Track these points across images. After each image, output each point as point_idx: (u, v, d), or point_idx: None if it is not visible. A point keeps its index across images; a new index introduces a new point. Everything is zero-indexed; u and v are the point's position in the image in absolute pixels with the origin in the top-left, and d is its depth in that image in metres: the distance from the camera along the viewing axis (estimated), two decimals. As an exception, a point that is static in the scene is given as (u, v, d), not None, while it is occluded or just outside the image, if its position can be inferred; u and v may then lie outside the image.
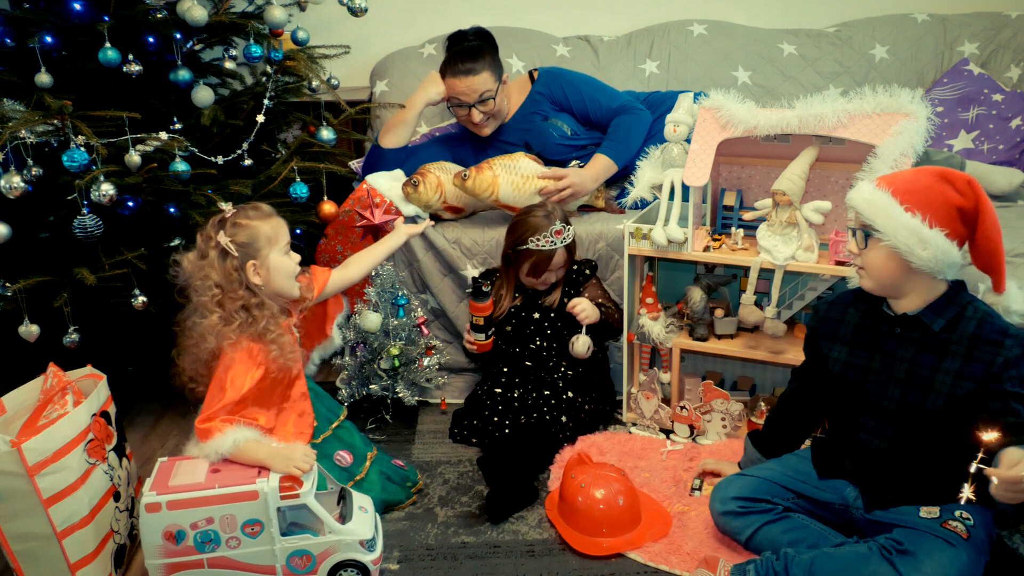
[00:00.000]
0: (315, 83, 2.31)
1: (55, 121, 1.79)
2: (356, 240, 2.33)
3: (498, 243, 2.30)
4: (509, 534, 1.78)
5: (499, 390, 2.17)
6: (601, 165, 2.40)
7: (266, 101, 2.19)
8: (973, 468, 1.22)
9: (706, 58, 2.99)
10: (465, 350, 2.30)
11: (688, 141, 2.05)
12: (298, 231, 2.31)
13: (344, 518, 1.61)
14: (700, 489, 1.89)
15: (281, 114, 2.37)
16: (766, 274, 1.95)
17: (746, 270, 1.97)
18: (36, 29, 1.92)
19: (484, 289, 2.09)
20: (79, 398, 1.65)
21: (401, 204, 2.32)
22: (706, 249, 2.01)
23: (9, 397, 1.65)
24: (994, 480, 1.21)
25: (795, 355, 1.97)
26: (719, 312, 2.10)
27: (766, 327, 1.97)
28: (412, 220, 2.35)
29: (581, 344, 2.10)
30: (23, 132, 1.76)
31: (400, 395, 2.22)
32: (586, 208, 2.51)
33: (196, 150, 2.02)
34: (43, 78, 1.91)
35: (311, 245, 2.39)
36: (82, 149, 1.78)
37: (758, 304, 1.97)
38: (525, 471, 1.93)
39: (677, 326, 2.15)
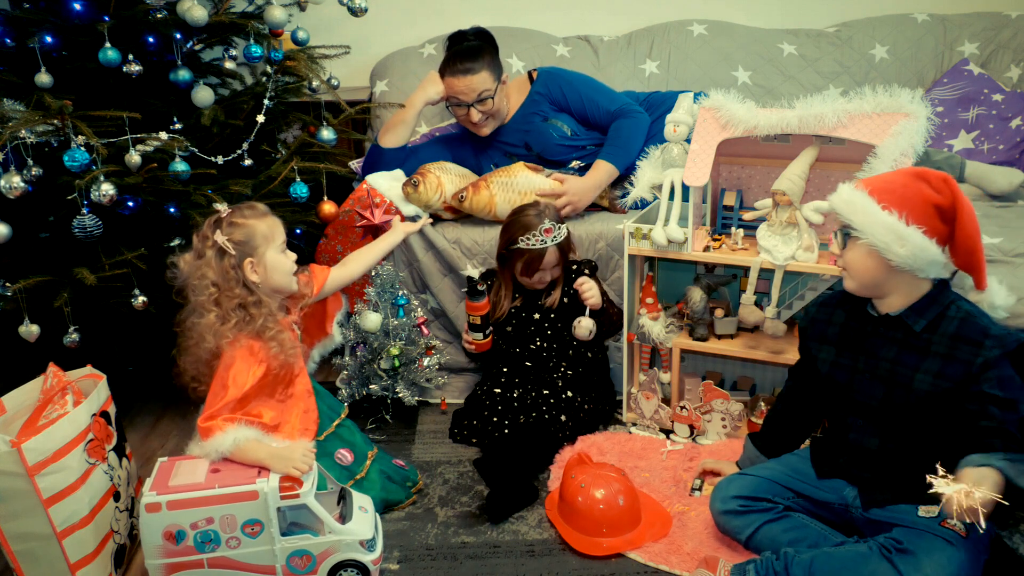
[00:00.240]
0: (315, 83, 2.32)
1: (55, 121, 1.79)
2: (356, 240, 2.33)
3: (497, 243, 2.30)
4: (509, 534, 1.78)
5: (499, 390, 2.18)
6: (602, 172, 2.40)
7: (266, 101, 2.20)
8: (936, 485, 1.23)
9: (706, 58, 2.99)
10: (465, 350, 2.31)
11: (688, 141, 2.05)
12: (298, 231, 2.32)
13: (344, 518, 1.61)
14: (700, 489, 1.89)
15: (281, 114, 2.37)
16: (766, 274, 1.95)
17: (746, 270, 1.97)
18: (36, 29, 1.92)
19: (480, 288, 2.09)
20: (79, 398, 1.65)
21: (401, 204, 2.32)
22: (706, 249, 2.01)
23: (9, 397, 1.65)
24: (946, 495, 1.22)
25: (795, 355, 1.96)
26: (719, 312, 2.10)
27: (766, 327, 1.97)
28: (412, 220, 2.35)
29: (584, 327, 2.10)
30: (23, 132, 1.76)
31: (400, 395, 2.22)
32: (590, 206, 2.51)
33: (196, 150, 2.02)
34: (43, 78, 1.91)
35: (311, 245, 2.39)
36: (82, 149, 1.78)
37: (758, 304, 1.97)
38: (525, 471, 1.93)
39: (677, 326, 2.15)
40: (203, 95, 2.07)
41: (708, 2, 3.15)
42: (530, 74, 2.60)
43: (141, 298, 1.96)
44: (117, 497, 1.69)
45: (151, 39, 2.03)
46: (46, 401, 1.64)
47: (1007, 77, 2.94)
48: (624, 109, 2.47)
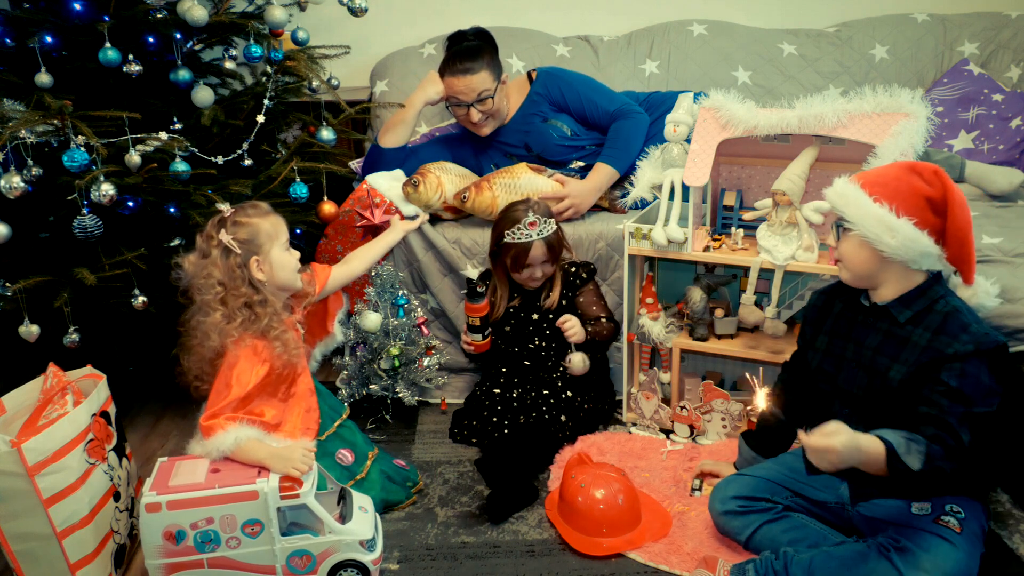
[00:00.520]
0: (315, 83, 2.32)
1: (55, 121, 1.79)
2: (356, 240, 2.33)
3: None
4: (509, 534, 1.78)
5: (498, 390, 2.18)
6: (603, 175, 2.40)
7: (266, 101, 2.20)
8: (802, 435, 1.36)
9: (706, 58, 2.99)
10: (464, 351, 2.31)
11: (688, 141, 2.05)
12: (298, 231, 2.31)
13: (344, 518, 1.61)
14: (700, 489, 1.89)
15: (281, 114, 2.37)
16: (766, 274, 1.95)
17: (746, 270, 1.97)
18: (36, 29, 1.92)
19: (479, 290, 2.09)
20: (79, 398, 1.65)
21: (401, 204, 2.32)
22: (706, 249, 2.01)
23: (9, 397, 1.65)
24: (805, 441, 1.35)
25: (795, 355, 1.98)
26: (719, 312, 2.10)
27: (766, 327, 1.97)
28: (411, 219, 2.35)
29: (576, 362, 2.11)
30: (23, 132, 1.76)
31: (400, 395, 2.22)
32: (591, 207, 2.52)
33: (196, 150, 2.02)
34: (43, 78, 1.91)
35: (311, 245, 2.39)
36: (82, 149, 1.78)
37: (758, 304, 1.97)
38: (525, 471, 1.93)
39: (677, 326, 2.15)
40: (203, 95, 2.07)
41: (708, 2, 3.15)
42: (529, 74, 2.59)
43: (141, 298, 1.96)
44: (117, 497, 1.69)
45: (151, 39, 2.03)
46: (46, 401, 1.64)
47: (1007, 77, 2.94)
48: (623, 109, 2.47)
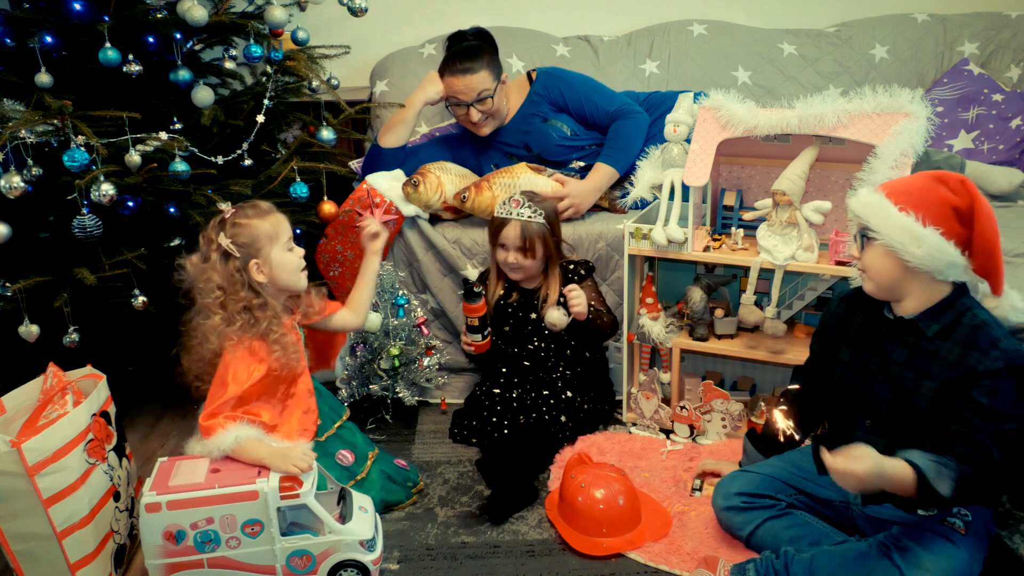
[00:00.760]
0: (315, 83, 2.31)
1: (55, 121, 1.79)
2: (356, 240, 2.33)
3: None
4: (509, 534, 1.78)
5: (498, 390, 2.18)
6: (603, 175, 2.41)
7: (266, 101, 2.19)
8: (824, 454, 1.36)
9: (706, 58, 2.99)
10: (464, 351, 2.30)
11: (688, 141, 2.05)
12: (298, 231, 2.31)
13: (344, 518, 1.61)
14: (700, 489, 1.89)
15: (281, 114, 2.37)
16: (766, 274, 1.95)
17: (746, 270, 1.97)
18: (36, 29, 1.92)
19: (476, 290, 2.09)
20: (79, 398, 1.65)
21: (401, 204, 2.32)
22: (706, 249, 2.01)
23: (9, 397, 1.65)
24: (830, 464, 1.33)
25: (795, 355, 1.97)
26: (719, 312, 2.10)
27: (766, 327, 1.97)
28: (412, 220, 2.35)
29: (555, 316, 2.11)
30: (23, 132, 1.76)
31: (400, 395, 2.22)
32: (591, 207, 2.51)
33: (196, 150, 2.02)
34: (43, 78, 1.91)
35: (311, 245, 2.39)
36: (82, 149, 1.78)
37: (758, 304, 1.97)
38: (525, 471, 1.93)
39: (677, 326, 2.15)
40: (203, 95, 2.07)
41: (708, 2, 3.15)
42: (529, 75, 2.59)
43: (141, 298, 1.96)
44: (117, 497, 1.69)
45: (151, 39, 2.03)
46: (46, 401, 1.64)
47: (1007, 77, 2.94)
48: (623, 110, 2.47)
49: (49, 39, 1.92)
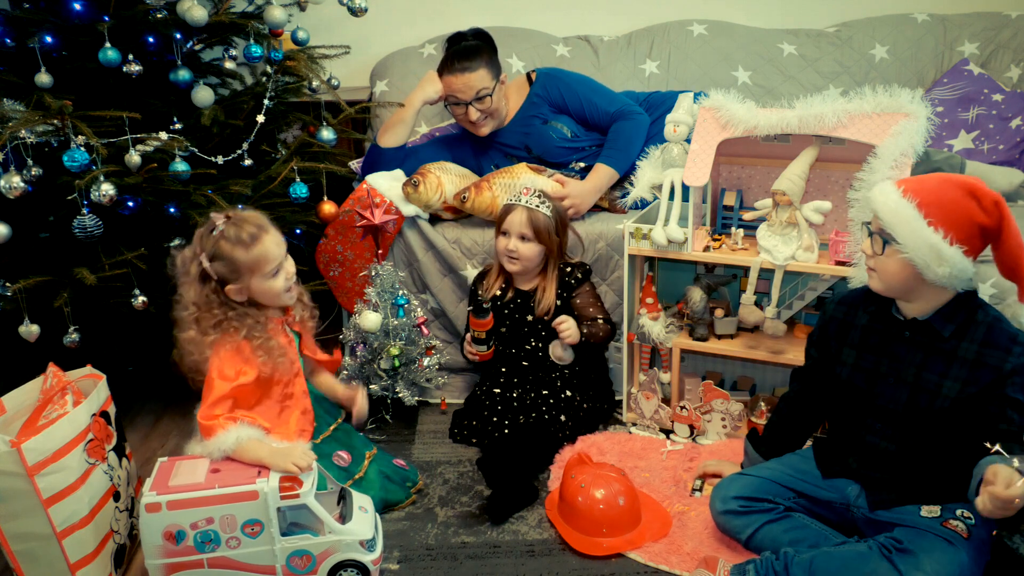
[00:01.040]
0: (315, 83, 2.32)
1: (55, 121, 1.79)
2: (356, 240, 2.33)
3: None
4: (509, 534, 1.78)
5: (498, 390, 2.18)
6: (603, 176, 2.41)
7: (266, 101, 2.19)
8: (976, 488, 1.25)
9: (706, 58, 2.99)
10: (465, 356, 2.30)
11: (688, 141, 2.05)
12: (298, 231, 2.32)
13: (344, 518, 1.61)
14: (700, 490, 1.89)
15: (281, 114, 2.37)
16: (766, 274, 1.95)
17: (746, 270, 1.97)
18: (36, 29, 1.92)
19: (485, 306, 2.10)
20: (79, 398, 1.65)
21: (401, 204, 2.32)
22: (706, 249, 2.01)
23: (9, 397, 1.65)
24: (986, 498, 1.23)
25: (795, 355, 1.97)
26: (719, 312, 2.10)
27: (766, 327, 1.97)
28: (412, 220, 2.35)
29: (558, 351, 2.14)
30: (23, 132, 1.76)
31: (400, 395, 2.22)
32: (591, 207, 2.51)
33: (196, 150, 2.02)
34: (43, 78, 1.91)
35: (311, 245, 2.39)
36: (82, 149, 1.78)
37: (758, 304, 1.97)
38: (525, 471, 1.93)
39: (677, 326, 2.15)
40: (203, 95, 2.07)
41: (708, 2, 3.15)
42: (528, 76, 2.59)
43: (141, 298, 1.96)
44: (117, 497, 1.69)
45: (151, 39, 2.03)
46: (46, 401, 1.64)
47: (1007, 77, 2.94)
48: (623, 110, 2.47)
49: (49, 39, 1.92)
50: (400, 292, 2.20)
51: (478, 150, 2.62)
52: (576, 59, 2.97)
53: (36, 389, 1.69)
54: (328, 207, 2.21)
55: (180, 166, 1.92)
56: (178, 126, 2.14)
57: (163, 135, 1.97)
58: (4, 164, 1.75)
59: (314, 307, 1.84)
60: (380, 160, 2.47)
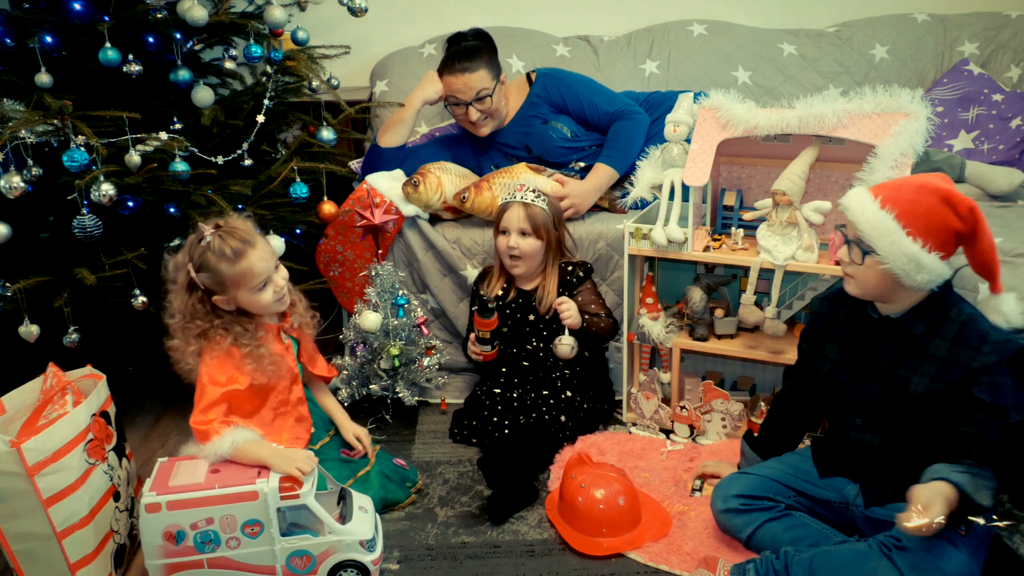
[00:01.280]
0: (315, 83, 2.32)
1: (55, 121, 1.79)
2: (356, 240, 2.33)
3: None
4: (509, 534, 1.78)
5: (498, 390, 2.18)
6: (603, 176, 2.41)
7: (266, 101, 2.19)
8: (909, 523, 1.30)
9: (706, 58, 2.99)
10: (467, 355, 2.30)
11: (688, 141, 2.05)
12: (298, 231, 2.32)
13: (344, 518, 1.61)
14: (700, 490, 1.89)
15: (281, 114, 2.37)
16: (766, 274, 1.95)
17: (746, 270, 1.97)
18: (36, 29, 1.92)
19: (490, 306, 2.10)
20: (79, 398, 1.65)
21: (401, 204, 2.32)
22: (706, 249, 2.01)
23: (9, 397, 1.65)
24: (905, 525, 1.30)
25: (795, 355, 1.97)
26: (719, 312, 2.10)
27: (766, 327, 1.97)
28: (412, 220, 2.35)
29: (564, 344, 2.11)
30: (23, 132, 1.76)
31: (400, 395, 2.22)
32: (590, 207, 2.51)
33: (196, 150, 2.02)
34: (43, 78, 1.91)
35: (311, 245, 2.39)
36: (82, 149, 1.78)
37: (758, 304, 1.97)
38: (525, 471, 1.93)
39: (677, 326, 2.15)
40: (203, 95, 2.07)
41: (708, 2, 3.15)
42: (528, 76, 2.60)
43: (141, 298, 1.96)
44: (117, 497, 1.69)
45: (151, 39, 2.03)
46: (46, 401, 1.64)
47: (1007, 77, 2.94)
48: (623, 110, 2.47)
49: (49, 39, 1.92)
50: (400, 292, 2.20)
51: (478, 150, 2.62)
52: (576, 59, 2.97)
53: (36, 389, 1.69)
54: (328, 207, 2.21)
55: (180, 166, 1.92)
56: (178, 126, 2.14)
57: (163, 135, 1.97)
58: (4, 164, 1.75)
59: (315, 314, 1.83)
60: (380, 160, 2.47)
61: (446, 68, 2.42)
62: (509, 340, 2.23)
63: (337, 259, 2.38)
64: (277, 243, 2.06)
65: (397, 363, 2.18)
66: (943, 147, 2.79)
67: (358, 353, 2.23)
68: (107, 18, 1.93)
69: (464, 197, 2.32)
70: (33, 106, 1.86)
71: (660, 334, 2.09)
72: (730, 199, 2.12)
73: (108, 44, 1.90)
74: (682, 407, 2.11)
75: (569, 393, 2.15)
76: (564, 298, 2.12)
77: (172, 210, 1.97)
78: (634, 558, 1.69)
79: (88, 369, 1.76)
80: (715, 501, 1.70)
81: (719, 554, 1.63)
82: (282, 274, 1.69)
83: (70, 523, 1.55)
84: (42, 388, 1.69)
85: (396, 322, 2.18)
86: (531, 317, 2.20)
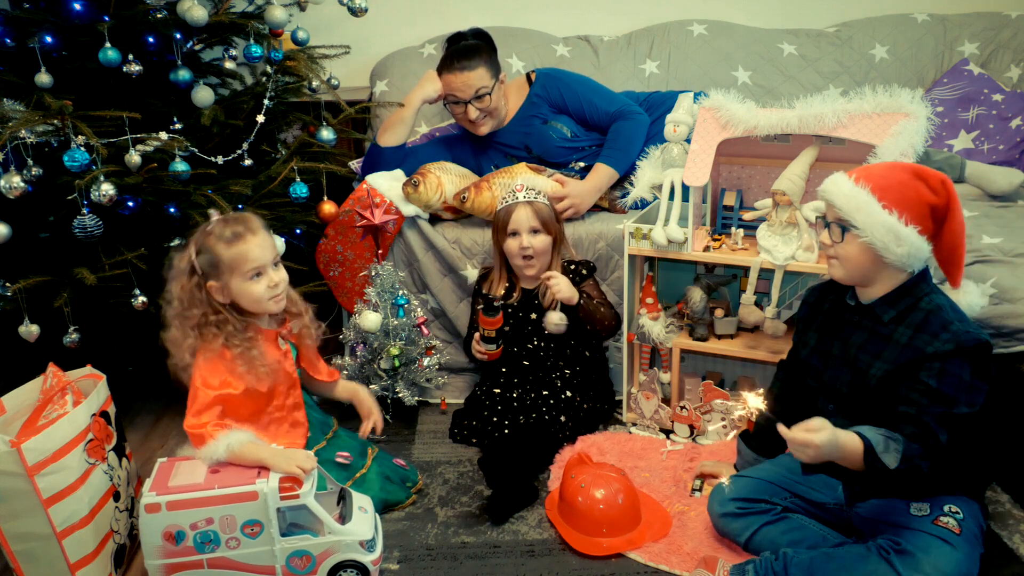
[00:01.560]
0: (315, 83, 2.32)
1: (55, 121, 1.79)
2: (356, 240, 2.33)
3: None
4: (509, 534, 1.78)
5: (498, 390, 2.18)
6: (602, 176, 2.41)
7: (266, 101, 2.19)
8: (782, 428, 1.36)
9: (706, 58, 2.99)
10: (470, 355, 2.30)
11: (688, 141, 2.05)
12: (298, 231, 2.32)
13: (344, 518, 1.61)
14: (700, 490, 1.89)
15: (281, 114, 2.37)
16: (766, 274, 1.95)
17: (746, 270, 1.97)
18: (36, 29, 1.92)
19: (495, 305, 2.10)
20: (79, 398, 1.65)
21: (401, 204, 2.32)
22: (706, 249, 2.01)
23: (9, 397, 1.65)
24: (787, 435, 1.35)
25: (795, 355, 1.97)
26: (719, 312, 2.10)
27: (766, 327, 1.97)
28: (412, 220, 2.35)
29: (553, 318, 2.10)
30: (23, 132, 1.76)
31: (400, 395, 2.22)
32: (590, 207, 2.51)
33: (196, 150, 2.02)
34: (43, 78, 1.91)
35: (311, 245, 2.39)
36: (82, 149, 1.78)
37: (758, 304, 1.97)
38: (525, 471, 1.93)
39: (677, 326, 2.15)
40: (203, 95, 2.07)
41: (708, 2, 3.15)
42: (528, 76, 2.60)
43: (141, 298, 1.96)
44: (117, 497, 1.69)
45: (151, 39, 2.03)
46: (46, 401, 1.64)
47: (1007, 77, 2.94)
48: (623, 111, 2.48)
49: (49, 39, 1.92)
50: (400, 292, 2.20)
51: (478, 150, 2.62)
52: (576, 59, 2.97)
53: (36, 389, 1.69)
54: (328, 207, 2.21)
55: (180, 166, 1.92)
56: (178, 126, 2.14)
57: (163, 135, 1.97)
58: (4, 164, 1.75)
59: (320, 325, 1.83)
60: (380, 160, 2.47)
61: (445, 66, 2.42)
62: (510, 340, 2.23)
63: (337, 259, 2.38)
64: (277, 243, 2.06)
65: (397, 363, 2.18)
66: (943, 147, 2.79)
67: (358, 353, 2.23)
68: (107, 18, 1.93)
69: (464, 197, 2.32)
70: (33, 106, 1.86)
71: (660, 334, 2.09)
72: (730, 199, 2.12)
73: (108, 44, 1.90)
74: (682, 407, 2.11)
75: (569, 393, 2.15)
76: (553, 272, 2.12)
77: (172, 210, 1.97)
78: (634, 558, 1.69)
79: (88, 369, 1.76)
80: (712, 505, 1.70)
81: (719, 554, 1.63)
82: (281, 274, 1.69)
83: (70, 523, 1.55)
84: (42, 388, 1.69)
85: (396, 322, 2.18)
86: (532, 316, 2.20)
